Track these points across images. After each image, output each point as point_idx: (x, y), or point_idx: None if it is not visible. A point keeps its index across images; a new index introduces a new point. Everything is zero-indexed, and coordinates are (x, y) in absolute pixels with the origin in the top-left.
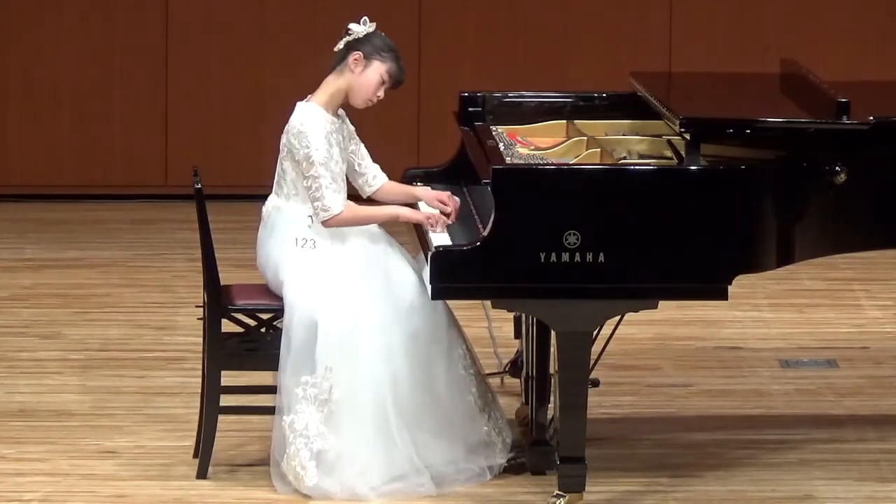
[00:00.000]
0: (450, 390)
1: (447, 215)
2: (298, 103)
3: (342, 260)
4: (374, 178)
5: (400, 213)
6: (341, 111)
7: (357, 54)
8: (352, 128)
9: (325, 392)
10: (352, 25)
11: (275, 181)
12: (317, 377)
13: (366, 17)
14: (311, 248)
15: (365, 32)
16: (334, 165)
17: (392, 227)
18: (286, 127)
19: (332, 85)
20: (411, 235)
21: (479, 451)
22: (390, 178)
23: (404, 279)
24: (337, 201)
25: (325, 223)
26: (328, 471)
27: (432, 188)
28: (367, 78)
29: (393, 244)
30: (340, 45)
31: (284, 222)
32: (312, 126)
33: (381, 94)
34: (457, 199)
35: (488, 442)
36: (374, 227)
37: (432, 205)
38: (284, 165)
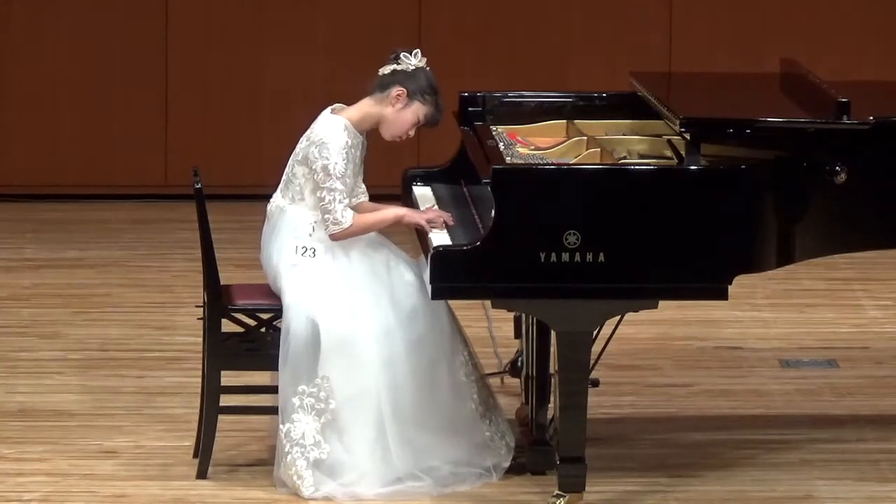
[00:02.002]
0: (451, 395)
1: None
2: (326, 113)
3: (342, 269)
4: (357, 197)
5: (403, 214)
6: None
7: (401, 90)
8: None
9: (322, 401)
10: (403, 54)
11: (282, 180)
12: (313, 387)
13: (418, 50)
14: (310, 256)
15: (414, 67)
16: (348, 180)
17: (392, 229)
18: (308, 133)
19: (368, 108)
20: (411, 236)
21: (483, 452)
22: (390, 179)
23: (406, 285)
24: (348, 215)
25: (333, 236)
26: (326, 475)
27: (432, 188)
28: (403, 116)
29: (394, 249)
30: (387, 71)
31: (287, 226)
32: (335, 139)
33: (412, 132)
34: (439, 211)
35: (491, 445)
36: (374, 234)
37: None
38: (296, 169)
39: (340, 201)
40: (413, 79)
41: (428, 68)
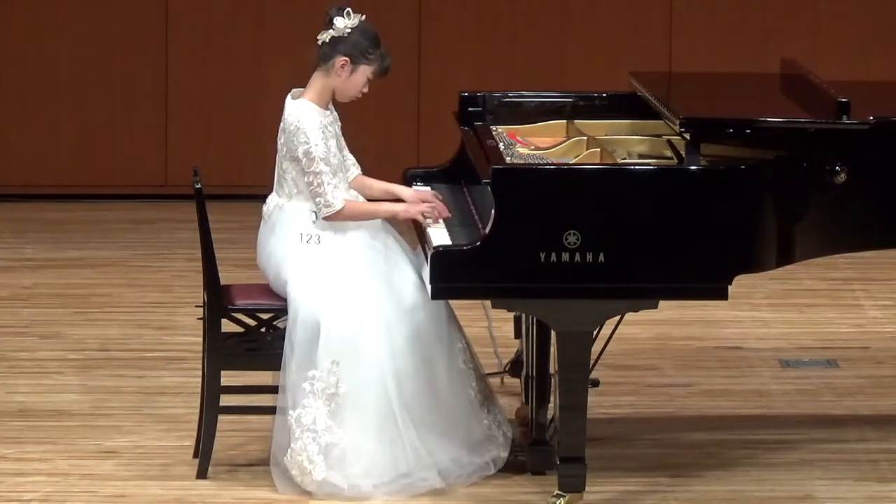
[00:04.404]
0: (451, 385)
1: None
2: (289, 100)
3: (346, 258)
4: (348, 170)
5: (398, 211)
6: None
7: (343, 60)
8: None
9: (332, 386)
10: (336, 18)
11: (275, 181)
12: (323, 371)
13: (349, 9)
14: (315, 243)
15: (349, 29)
16: (333, 159)
17: (395, 222)
18: (281, 126)
19: (320, 83)
20: (411, 234)
21: (482, 447)
22: (390, 179)
23: (406, 276)
24: (338, 197)
25: (326, 218)
26: (334, 466)
27: (432, 188)
28: (353, 81)
29: (395, 237)
30: (325, 39)
31: (287, 220)
32: (308, 122)
33: (365, 89)
34: (440, 196)
35: (490, 435)
36: (376, 221)
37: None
38: (284, 165)
39: (329, 183)
40: (350, 43)
41: (363, 17)
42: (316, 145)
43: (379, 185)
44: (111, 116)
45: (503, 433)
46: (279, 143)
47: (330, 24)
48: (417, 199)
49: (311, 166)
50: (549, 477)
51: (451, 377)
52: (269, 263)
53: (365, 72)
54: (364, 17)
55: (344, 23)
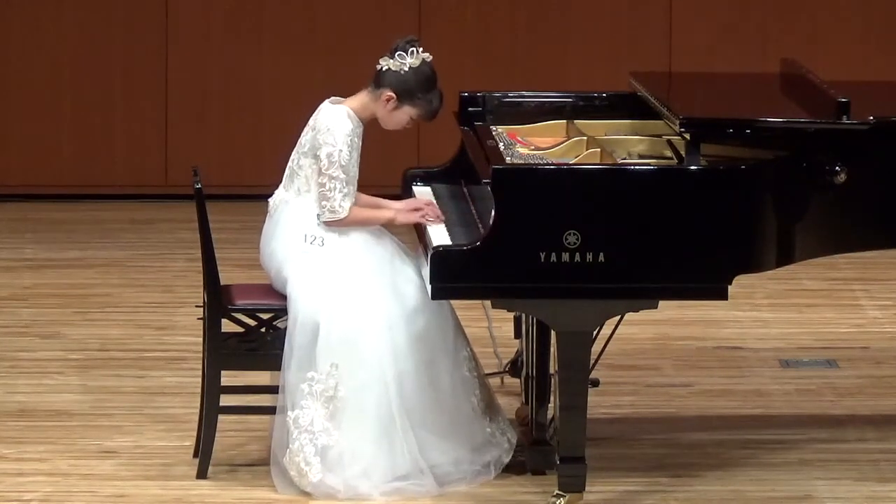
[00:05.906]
0: (454, 391)
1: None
2: (326, 104)
3: (349, 259)
4: None
5: (396, 217)
6: None
7: (390, 95)
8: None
9: (331, 389)
10: (399, 53)
11: (285, 175)
12: (322, 374)
13: (415, 49)
14: (319, 245)
15: (408, 67)
16: (352, 168)
17: (392, 226)
18: (313, 123)
19: (366, 101)
20: (411, 235)
21: (483, 450)
22: (390, 179)
23: (410, 279)
24: (345, 206)
25: (327, 223)
26: (331, 468)
27: (432, 188)
28: (395, 117)
29: (395, 241)
30: (383, 67)
31: (292, 217)
32: (340, 127)
33: (409, 125)
34: (430, 201)
35: (492, 441)
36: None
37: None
38: (301, 161)
39: (340, 190)
40: (404, 82)
41: (427, 59)
42: (340, 151)
43: (365, 199)
44: (111, 116)
45: (507, 439)
46: (303, 138)
47: (393, 55)
48: (409, 207)
49: (329, 169)
50: (549, 477)
51: (454, 382)
52: (272, 262)
53: (409, 112)
54: (429, 57)
55: (405, 60)
